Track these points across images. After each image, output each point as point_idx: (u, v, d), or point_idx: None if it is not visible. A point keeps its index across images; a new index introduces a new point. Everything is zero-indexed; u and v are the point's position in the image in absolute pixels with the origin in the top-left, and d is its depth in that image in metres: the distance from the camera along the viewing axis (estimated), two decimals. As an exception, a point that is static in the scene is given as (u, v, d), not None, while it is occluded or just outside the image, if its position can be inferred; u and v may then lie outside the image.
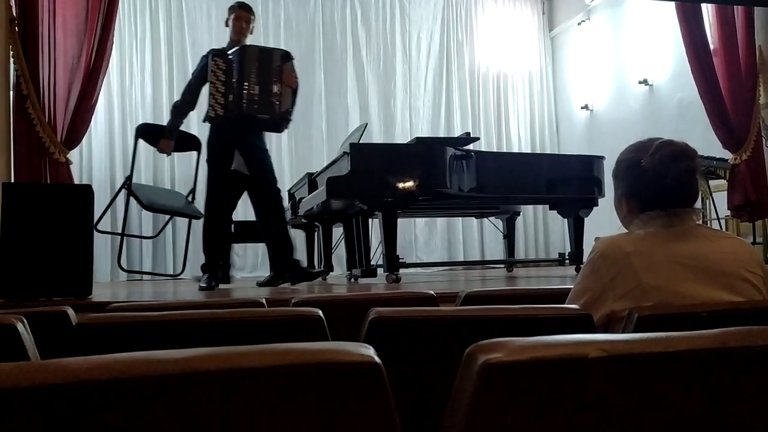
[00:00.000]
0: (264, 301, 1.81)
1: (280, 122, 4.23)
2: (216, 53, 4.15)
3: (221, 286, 4.18)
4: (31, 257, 3.30)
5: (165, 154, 4.51)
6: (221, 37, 7.73)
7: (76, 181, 6.40)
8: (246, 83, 4.00)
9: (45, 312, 1.58)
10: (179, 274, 5.32)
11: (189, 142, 4.79)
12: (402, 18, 8.34)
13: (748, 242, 1.77)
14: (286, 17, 7.98)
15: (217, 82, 4.03)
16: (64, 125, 4.31)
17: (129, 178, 4.76)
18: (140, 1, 7.56)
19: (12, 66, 4.22)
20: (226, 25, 4.37)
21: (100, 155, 7.30)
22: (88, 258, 3.47)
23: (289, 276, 4.15)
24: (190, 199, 5.13)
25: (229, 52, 4.09)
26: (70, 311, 1.56)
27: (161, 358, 0.60)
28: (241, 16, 4.28)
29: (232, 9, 4.36)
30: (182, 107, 4.31)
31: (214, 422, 0.60)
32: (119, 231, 7.25)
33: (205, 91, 4.22)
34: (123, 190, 4.91)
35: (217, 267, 4.17)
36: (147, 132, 4.71)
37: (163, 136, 4.31)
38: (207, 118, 4.11)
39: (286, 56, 4.21)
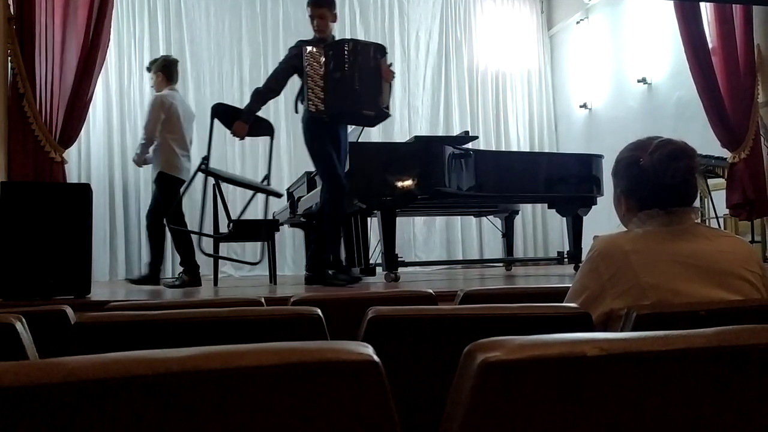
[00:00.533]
0: (263, 300, 1.81)
1: (380, 118, 4.13)
2: (310, 45, 3.99)
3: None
4: (30, 256, 3.30)
5: (238, 138, 4.29)
6: (220, 36, 7.79)
7: (75, 180, 6.42)
8: (348, 78, 3.86)
9: (44, 311, 1.58)
10: (259, 263, 5.18)
11: (263, 127, 4.56)
12: (401, 17, 8.34)
13: (746, 241, 1.78)
14: (284, 16, 7.98)
15: (315, 75, 3.89)
16: (58, 123, 4.29)
17: (206, 159, 4.44)
18: (138, -1, 7.56)
19: (9, 64, 4.21)
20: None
21: (99, 154, 7.29)
22: (87, 257, 3.47)
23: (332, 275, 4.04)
24: (265, 183, 5.01)
25: (327, 45, 3.94)
26: (69, 310, 1.56)
27: (160, 358, 0.60)
28: (312, 14, 4.12)
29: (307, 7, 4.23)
30: (265, 93, 4.17)
31: (214, 421, 0.60)
32: (117, 232, 7.27)
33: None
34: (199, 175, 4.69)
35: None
36: (223, 113, 4.43)
37: (239, 119, 4.16)
38: (309, 114, 3.95)
39: (382, 50, 4.07)
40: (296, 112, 4.19)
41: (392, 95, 4.07)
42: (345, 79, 3.86)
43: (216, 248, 4.86)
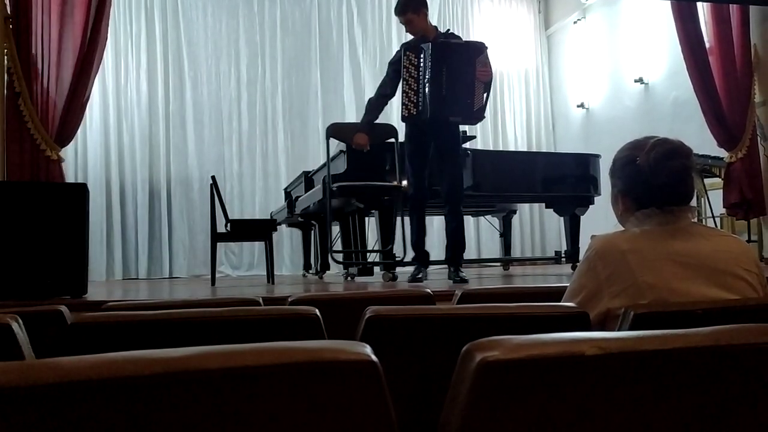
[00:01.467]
0: (260, 299, 1.81)
1: (476, 119, 4.11)
2: (408, 48, 4.00)
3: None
4: (26, 256, 3.29)
5: (363, 149, 4.17)
6: (217, 35, 7.78)
7: (72, 180, 6.40)
8: (437, 83, 3.83)
9: (40, 311, 1.57)
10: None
11: (385, 131, 4.46)
12: (398, 16, 8.33)
13: (743, 240, 1.78)
14: (282, 16, 7.98)
15: (410, 79, 3.91)
16: (55, 122, 4.29)
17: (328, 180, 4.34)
18: (135, -1, 7.55)
19: (6, 63, 4.21)
20: None
21: (95, 153, 7.28)
22: (84, 257, 3.46)
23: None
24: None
25: (423, 46, 3.92)
26: (65, 310, 1.55)
27: (157, 358, 0.60)
28: (401, 22, 4.11)
29: None
30: (378, 101, 4.19)
31: (211, 422, 0.60)
32: (114, 232, 7.26)
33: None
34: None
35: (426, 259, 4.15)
36: (338, 131, 4.43)
37: (359, 130, 4.15)
38: (402, 118, 4.00)
39: (480, 49, 4.00)
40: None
41: (490, 92, 3.98)
42: (433, 84, 3.83)
43: (213, 248, 4.85)
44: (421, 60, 3.88)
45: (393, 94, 4.20)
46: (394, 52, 8.07)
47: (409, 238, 4.20)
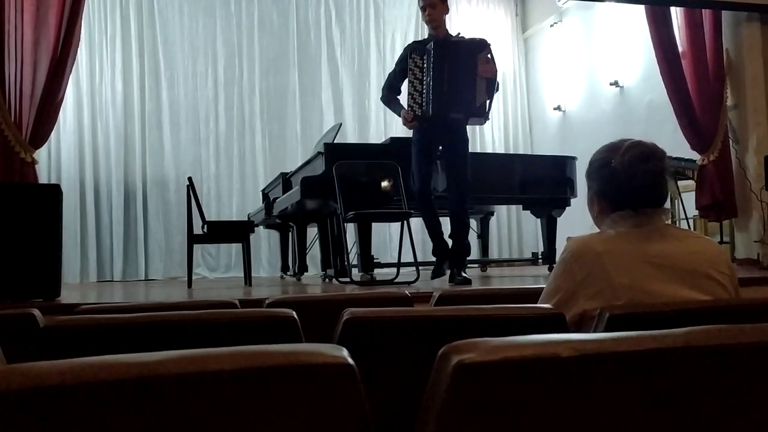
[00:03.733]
0: (237, 302, 1.79)
1: (478, 116, 4.09)
2: (413, 48, 4.00)
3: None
4: (-2, 258, 3.24)
5: (413, 124, 4.02)
6: (194, 34, 7.72)
7: (45, 181, 6.31)
8: (439, 80, 3.84)
9: (11, 314, 1.55)
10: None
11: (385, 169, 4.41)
12: (376, 18, 8.35)
13: (715, 242, 1.81)
14: (260, 16, 7.94)
15: (415, 80, 3.91)
16: (29, 124, 4.22)
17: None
18: (111, -3, 7.46)
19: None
20: None
21: (69, 154, 7.18)
22: (57, 259, 3.41)
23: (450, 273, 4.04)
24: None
25: (428, 47, 3.92)
26: (37, 313, 1.52)
27: (132, 362, 0.59)
28: (422, 8, 4.04)
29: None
30: (389, 96, 4.19)
31: (186, 426, 0.59)
32: (89, 233, 7.16)
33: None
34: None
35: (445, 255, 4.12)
36: (346, 166, 4.26)
37: (401, 113, 4.06)
38: (405, 122, 4.01)
39: (482, 46, 3.97)
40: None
41: (481, 89, 3.94)
42: (435, 83, 3.84)
43: (190, 250, 4.81)
44: (425, 61, 3.90)
45: (399, 92, 4.21)
46: (372, 54, 8.21)
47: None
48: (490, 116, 4.25)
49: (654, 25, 5.37)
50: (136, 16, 7.53)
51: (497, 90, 4.21)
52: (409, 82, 3.96)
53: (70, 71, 4.45)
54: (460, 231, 4.08)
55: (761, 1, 5.12)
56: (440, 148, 4.08)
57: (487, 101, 4.00)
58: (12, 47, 4.17)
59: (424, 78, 3.90)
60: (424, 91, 3.89)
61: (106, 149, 7.35)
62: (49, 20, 4.28)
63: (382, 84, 4.39)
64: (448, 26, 4.13)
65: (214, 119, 7.73)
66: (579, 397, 0.70)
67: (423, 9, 4.05)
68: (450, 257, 4.10)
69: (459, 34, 4.24)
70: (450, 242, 4.14)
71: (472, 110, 3.98)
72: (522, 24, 8.98)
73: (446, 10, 4.07)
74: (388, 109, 4.44)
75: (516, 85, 8.89)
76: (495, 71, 3.97)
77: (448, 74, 3.85)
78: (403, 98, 4.12)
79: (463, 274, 3.97)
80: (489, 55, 3.95)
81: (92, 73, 7.34)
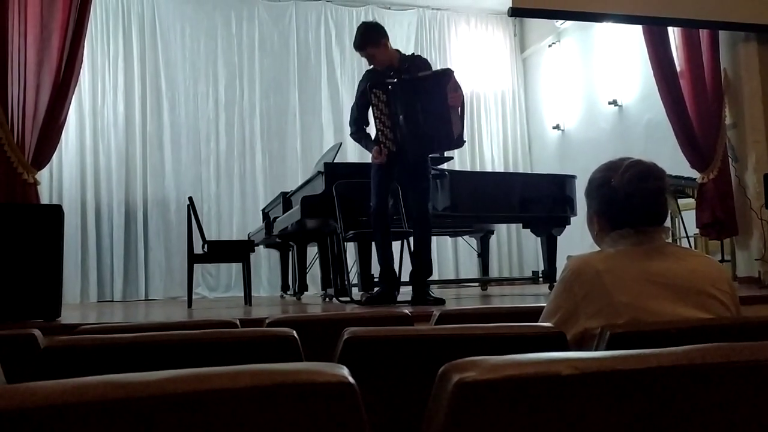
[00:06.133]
0: (238, 321, 1.79)
1: (457, 146, 4.02)
2: (374, 84, 3.84)
3: None
4: (-2, 279, 3.23)
5: (382, 160, 3.88)
6: (195, 56, 7.78)
7: (47, 201, 6.32)
8: (413, 121, 3.72)
9: (12, 335, 1.54)
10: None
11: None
12: (376, 39, 8.41)
13: (716, 260, 1.81)
14: (260, 37, 8.01)
15: (382, 116, 3.79)
16: (31, 144, 4.23)
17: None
18: (113, 19, 7.53)
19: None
20: None
21: (71, 175, 7.21)
22: (58, 279, 3.41)
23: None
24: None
25: (389, 83, 3.81)
26: (38, 334, 1.52)
27: (132, 381, 0.59)
28: (362, 56, 4.01)
29: None
30: (359, 134, 4.06)
31: (186, 445, 0.59)
32: (89, 254, 7.16)
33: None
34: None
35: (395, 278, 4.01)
36: (346, 185, 4.31)
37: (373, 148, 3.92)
38: (374, 159, 3.87)
39: (448, 75, 3.83)
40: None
41: (464, 117, 3.86)
42: (409, 121, 3.72)
43: (190, 269, 4.81)
44: (393, 96, 3.77)
45: (368, 123, 4.10)
46: (371, 74, 8.23)
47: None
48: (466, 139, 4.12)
49: (652, 45, 5.41)
50: (138, 38, 7.60)
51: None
52: (376, 117, 3.82)
53: (73, 93, 4.48)
54: (423, 249, 3.98)
55: (758, 21, 5.16)
56: (402, 178, 3.99)
57: (463, 130, 3.90)
58: (15, 69, 4.20)
59: (393, 115, 3.77)
60: (396, 128, 3.77)
61: (108, 170, 7.38)
62: (52, 43, 4.31)
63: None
64: (414, 48, 4.04)
65: (214, 139, 7.77)
66: (580, 415, 0.70)
67: (367, 59, 3.99)
68: (413, 279, 3.98)
69: (413, 53, 4.20)
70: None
71: (451, 143, 3.90)
72: (520, 44, 9.05)
73: (385, 46, 3.95)
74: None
75: (515, 104, 8.94)
76: (463, 96, 3.86)
77: (421, 112, 3.73)
78: (370, 128, 4.03)
79: (432, 295, 3.88)
80: (456, 83, 3.83)
81: (95, 95, 7.38)
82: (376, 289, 4.08)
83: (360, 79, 4.18)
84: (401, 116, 3.74)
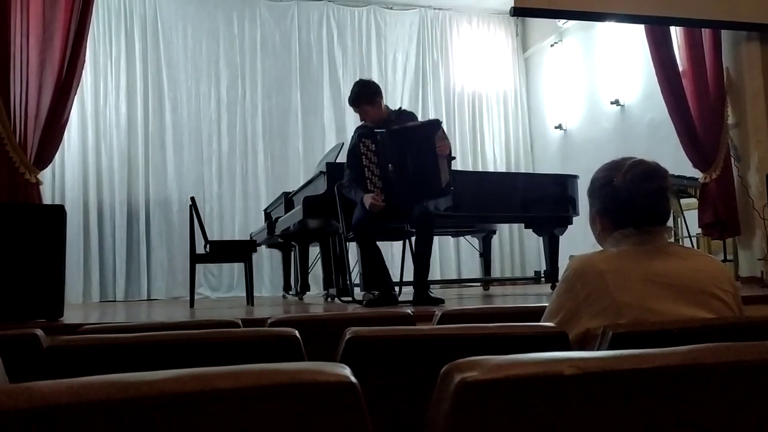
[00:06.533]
0: (240, 321, 1.79)
1: (445, 195, 4.10)
2: (364, 134, 3.93)
3: None
4: (1, 278, 3.24)
5: (379, 208, 3.85)
6: (197, 56, 7.78)
7: (49, 201, 6.33)
8: (403, 170, 3.81)
9: (14, 335, 1.55)
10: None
11: None
12: (378, 39, 8.42)
13: (718, 260, 1.80)
14: (262, 37, 8.01)
15: (371, 165, 3.85)
16: (33, 145, 4.24)
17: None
18: (115, 20, 7.54)
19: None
20: None
21: (73, 175, 7.22)
22: (60, 279, 3.41)
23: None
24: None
25: (378, 132, 3.88)
26: (41, 334, 1.52)
27: (134, 381, 0.59)
28: (355, 111, 4.10)
29: None
30: (349, 189, 4.06)
31: (188, 445, 0.59)
32: (92, 254, 7.17)
33: None
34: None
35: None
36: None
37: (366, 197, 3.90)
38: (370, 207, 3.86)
39: (436, 125, 3.94)
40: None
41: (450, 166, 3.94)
42: (399, 171, 3.79)
43: (192, 269, 4.81)
44: (383, 147, 3.84)
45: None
46: (374, 74, 8.26)
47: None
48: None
49: (654, 45, 5.41)
50: (140, 39, 7.60)
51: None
52: (365, 166, 3.87)
53: (75, 93, 4.48)
54: (423, 251, 3.98)
55: (761, 20, 5.15)
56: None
57: (450, 178, 3.95)
58: (18, 69, 4.20)
59: (382, 164, 3.83)
60: (385, 178, 3.83)
61: (110, 170, 7.39)
62: (54, 43, 4.32)
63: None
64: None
65: (216, 139, 7.77)
66: (582, 415, 0.70)
67: (358, 113, 4.08)
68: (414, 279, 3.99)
69: (400, 108, 4.25)
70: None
71: (440, 191, 3.96)
72: (522, 44, 9.05)
73: (379, 105, 4.05)
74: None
75: (517, 104, 8.94)
76: (450, 146, 3.96)
77: (410, 162, 3.81)
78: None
79: (431, 294, 3.90)
80: (443, 133, 3.94)
81: (97, 95, 7.39)
82: (376, 292, 4.07)
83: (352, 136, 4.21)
84: (390, 165, 3.82)
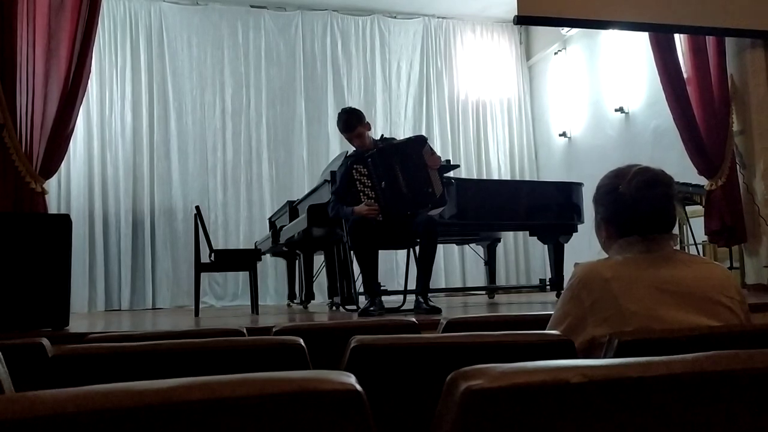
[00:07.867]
0: (244, 330, 1.79)
1: (440, 206, 4.15)
2: (354, 161, 4.02)
3: None
4: (7, 287, 3.25)
5: (375, 216, 3.94)
6: (202, 66, 7.82)
7: (54, 211, 6.35)
8: (395, 184, 3.91)
9: (20, 344, 1.55)
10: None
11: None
12: (382, 47, 8.45)
13: (724, 267, 1.80)
14: (267, 47, 8.04)
15: (365, 189, 3.96)
16: (39, 154, 4.26)
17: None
18: (121, 30, 7.58)
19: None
20: None
21: (79, 184, 7.24)
22: (66, 288, 3.42)
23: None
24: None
25: (368, 155, 3.98)
26: (46, 343, 1.53)
27: (140, 389, 0.59)
28: (349, 139, 4.16)
29: None
30: (337, 212, 4.11)
31: (194, 454, 0.59)
32: (97, 263, 7.19)
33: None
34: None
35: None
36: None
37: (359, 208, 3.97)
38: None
39: (422, 141, 4.06)
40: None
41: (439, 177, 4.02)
42: (392, 187, 3.89)
43: (197, 278, 4.82)
44: (374, 167, 3.93)
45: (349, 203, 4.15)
46: (378, 83, 8.29)
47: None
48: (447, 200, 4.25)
49: (658, 52, 5.41)
50: (145, 48, 7.65)
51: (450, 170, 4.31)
52: (360, 191, 3.96)
53: (81, 103, 4.51)
54: (427, 258, 4.02)
55: (765, 27, 5.15)
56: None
57: (444, 189, 4.06)
58: (24, 79, 4.23)
59: (376, 184, 3.92)
60: (380, 196, 3.91)
61: (115, 179, 7.41)
62: (60, 53, 4.35)
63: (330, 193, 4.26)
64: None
65: (221, 148, 7.80)
66: (588, 423, 0.70)
67: (350, 140, 4.15)
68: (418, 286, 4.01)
69: (382, 135, 4.36)
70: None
71: (435, 202, 4.01)
72: (526, 52, 9.06)
73: (368, 128, 4.17)
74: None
75: (521, 112, 8.94)
76: (440, 160, 4.07)
77: (402, 175, 3.90)
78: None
79: (430, 303, 3.91)
80: (430, 148, 4.05)
81: (102, 105, 7.43)
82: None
83: (339, 165, 4.26)
84: (383, 182, 3.91)
